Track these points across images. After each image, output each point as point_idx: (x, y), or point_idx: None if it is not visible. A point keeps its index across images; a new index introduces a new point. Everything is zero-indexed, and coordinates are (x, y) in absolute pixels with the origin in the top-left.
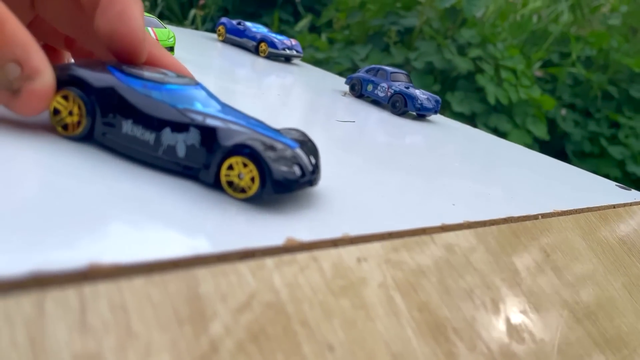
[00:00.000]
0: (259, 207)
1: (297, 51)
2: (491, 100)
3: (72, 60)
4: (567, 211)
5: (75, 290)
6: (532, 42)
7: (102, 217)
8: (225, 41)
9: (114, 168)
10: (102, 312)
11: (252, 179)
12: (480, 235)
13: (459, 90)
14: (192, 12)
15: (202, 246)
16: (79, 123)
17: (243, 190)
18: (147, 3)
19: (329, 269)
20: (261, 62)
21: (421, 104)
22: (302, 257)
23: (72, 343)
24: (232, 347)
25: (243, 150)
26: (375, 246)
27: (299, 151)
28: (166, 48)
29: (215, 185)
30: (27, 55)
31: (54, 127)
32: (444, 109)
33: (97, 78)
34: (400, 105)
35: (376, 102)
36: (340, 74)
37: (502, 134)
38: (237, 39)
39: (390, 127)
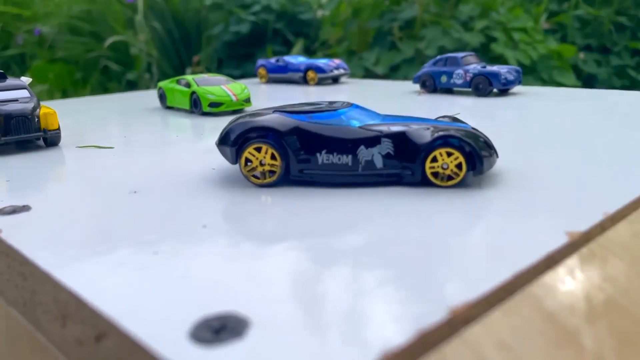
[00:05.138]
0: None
1: (344, 69)
2: (513, 63)
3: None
4: None
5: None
6: None
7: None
8: (268, 81)
9: (342, 196)
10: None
11: (458, 166)
12: None
13: None
14: (188, 71)
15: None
16: (270, 172)
17: (450, 178)
18: (146, 75)
19: (622, 251)
20: (313, 91)
21: (505, 79)
22: (591, 247)
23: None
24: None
25: (443, 141)
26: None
27: (474, 130)
28: (245, 100)
29: (422, 181)
30: None
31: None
32: None
33: (281, 124)
34: (485, 86)
35: (448, 90)
36: None
37: None
38: (281, 76)
39: (492, 109)
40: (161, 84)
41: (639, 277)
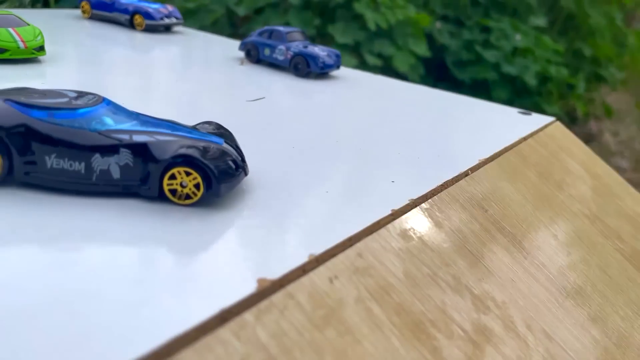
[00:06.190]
0: (213, 233)
1: (176, 18)
2: (371, 26)
3: None
4: (489, 158)
5: None
6: None
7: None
8: (92, 17)
9: (59, 205)
10: None
11: (197, 185)
12: (426, 212)
13: (339, 21)
14: None
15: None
16: None
17: (188, 197)
18: None
19: (307, 301)
20: (140, 38)
21: (323, 62)
22: (277, 297)
23: None
24: None
25: (183, 160)
26: (341, 258)
27: (226, 146)
28: (36, 48)
29: (159, 196)
30: None
31: None
32: (329, 42)
33: (5, 116)
34: (303, 67)
35: (273, 64)
36: (215, 21)
37: (388, 58)
38: (106, 14)
39: (299, 95)
40: None
41: None
